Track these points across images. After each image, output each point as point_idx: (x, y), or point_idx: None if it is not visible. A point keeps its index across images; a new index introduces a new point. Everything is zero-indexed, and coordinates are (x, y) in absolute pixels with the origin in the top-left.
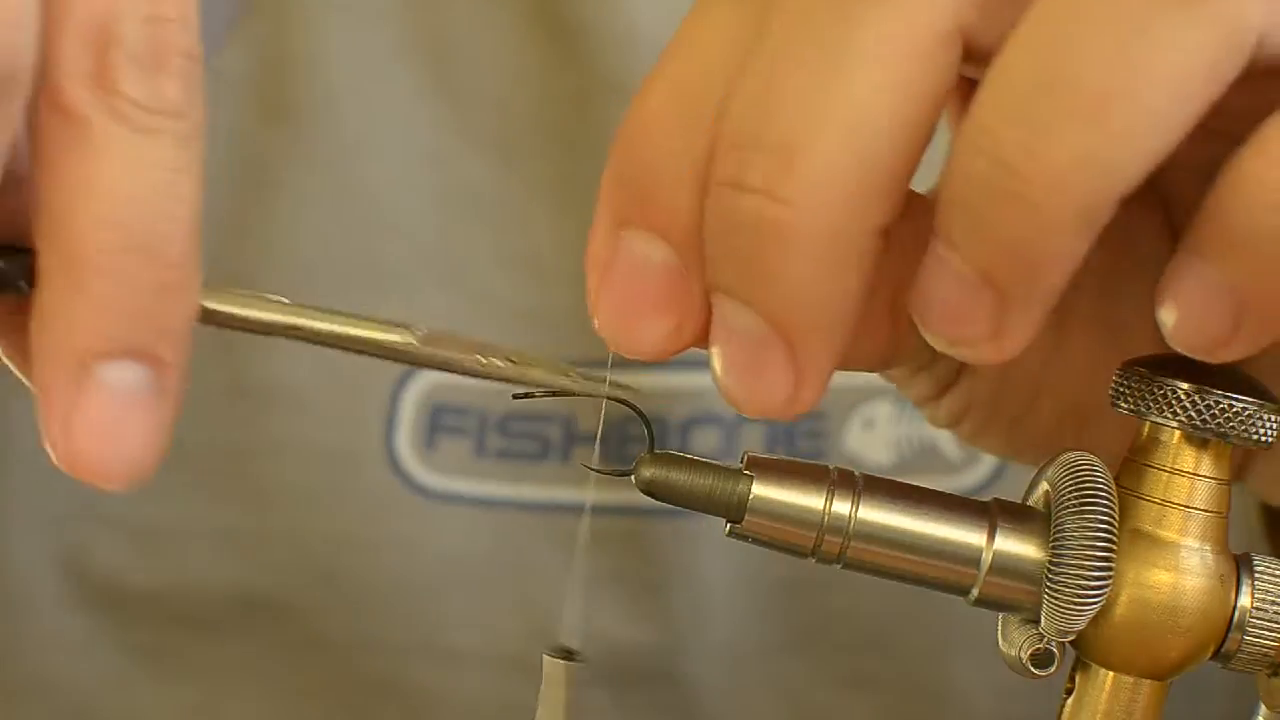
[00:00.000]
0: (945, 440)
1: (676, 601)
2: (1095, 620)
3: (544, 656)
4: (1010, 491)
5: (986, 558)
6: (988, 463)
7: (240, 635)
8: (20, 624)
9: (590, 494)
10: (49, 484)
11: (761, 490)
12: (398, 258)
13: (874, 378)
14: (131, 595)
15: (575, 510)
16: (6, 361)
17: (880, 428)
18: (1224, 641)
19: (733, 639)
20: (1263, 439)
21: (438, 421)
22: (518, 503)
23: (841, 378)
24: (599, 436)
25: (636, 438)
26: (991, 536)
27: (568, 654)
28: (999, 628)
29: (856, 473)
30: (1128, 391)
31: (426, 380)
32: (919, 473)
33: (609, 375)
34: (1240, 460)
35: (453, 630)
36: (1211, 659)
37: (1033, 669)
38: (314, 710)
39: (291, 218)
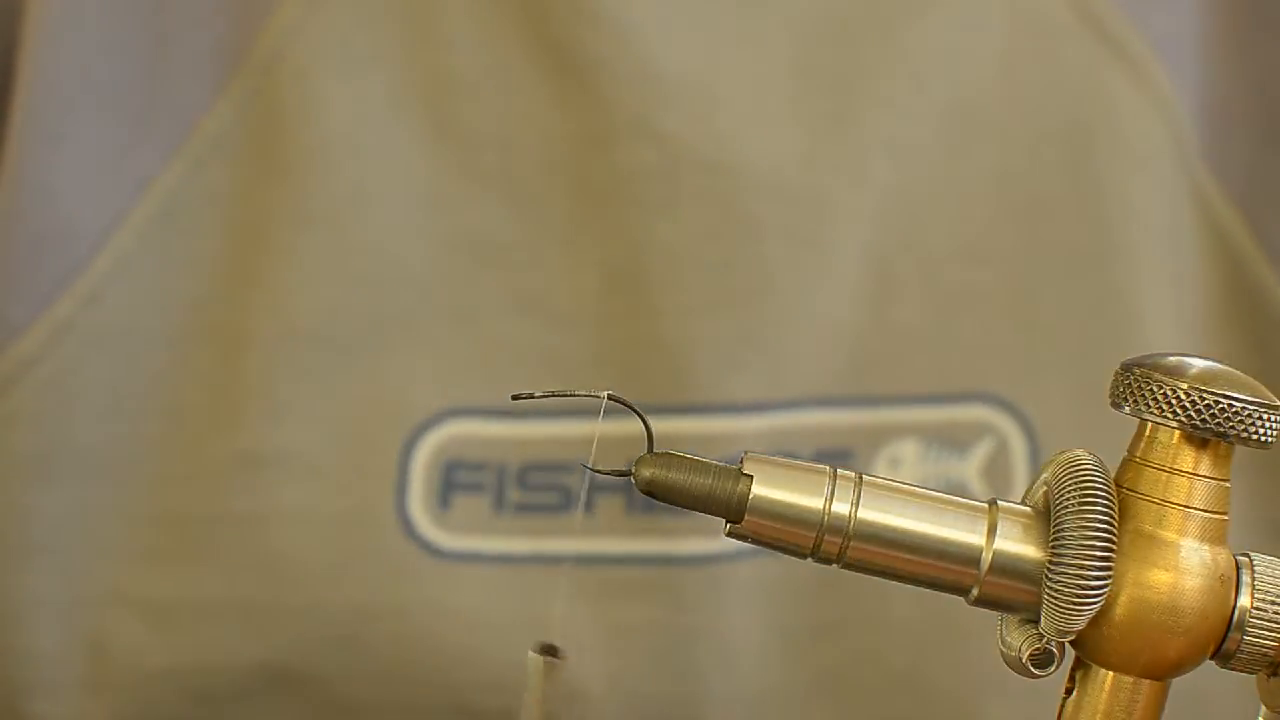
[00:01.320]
0: (973, 479)
1: (703, 650)
2: (1095, 620)
3: (528, 653)
4: None
5: (986, 558)
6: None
7: (266, 706)
8: (47, 711)
9: (585, 488)
10: (70, 569)
11: (761, 490)
12: (406, 308)
13: (899, 414)
14: (154, 675)
15: (604, 562)
16: None
17: (907, 466)
18: (1223, 641)
19: (759, 685)
20: (1262, 439)
21: (452, 479)
22: (542, 557)
23: (866, 415)
24: (596, 438)
25: None
26: (991, 536)
27: (551, 650)
28: (999, 628)
29: (856, 473)
30: (1128, 391)
31: (438, 437)
32: None
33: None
34: None
35: (482, 693)
36: (1211, 659)
37: (1033, 669)
38: None
39: (295, 277)
